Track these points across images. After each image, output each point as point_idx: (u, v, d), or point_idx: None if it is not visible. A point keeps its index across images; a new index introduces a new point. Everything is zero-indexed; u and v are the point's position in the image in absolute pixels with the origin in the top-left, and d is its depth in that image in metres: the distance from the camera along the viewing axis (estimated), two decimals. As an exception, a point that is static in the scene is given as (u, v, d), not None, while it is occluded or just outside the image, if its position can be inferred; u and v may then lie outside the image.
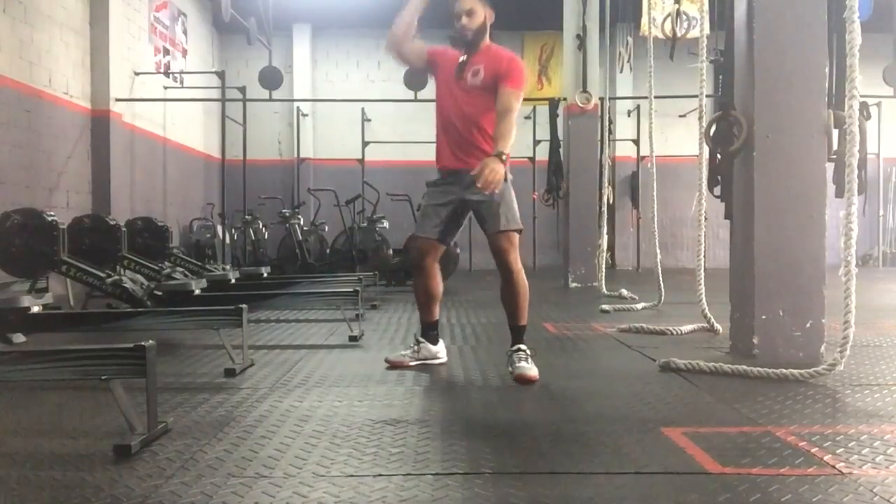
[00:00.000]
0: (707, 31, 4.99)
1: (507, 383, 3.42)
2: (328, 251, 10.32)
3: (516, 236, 3.61)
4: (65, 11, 8.23)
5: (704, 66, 4.81)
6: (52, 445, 2.46)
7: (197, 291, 5.20)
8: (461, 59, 3.64)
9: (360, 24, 13.57)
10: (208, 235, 10.94)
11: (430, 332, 3.87)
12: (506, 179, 3.52)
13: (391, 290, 8.79)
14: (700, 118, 4.79)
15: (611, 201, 9.06)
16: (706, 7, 5.07)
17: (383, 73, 14.01)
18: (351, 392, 3.21)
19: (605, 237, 8.53)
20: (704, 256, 5.10)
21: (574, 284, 9.04)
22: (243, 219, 10.61)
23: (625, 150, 13.38)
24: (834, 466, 2.18)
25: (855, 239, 3.25)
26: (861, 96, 3.33)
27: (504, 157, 3.34)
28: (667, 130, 12.76)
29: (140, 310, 4.93)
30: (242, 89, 10.58)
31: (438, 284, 3.84)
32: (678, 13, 8.12)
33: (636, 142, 12.85)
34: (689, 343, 4.54)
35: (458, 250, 8.84)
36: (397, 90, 11.99)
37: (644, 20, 9.84)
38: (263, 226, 11.21)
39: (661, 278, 6.39)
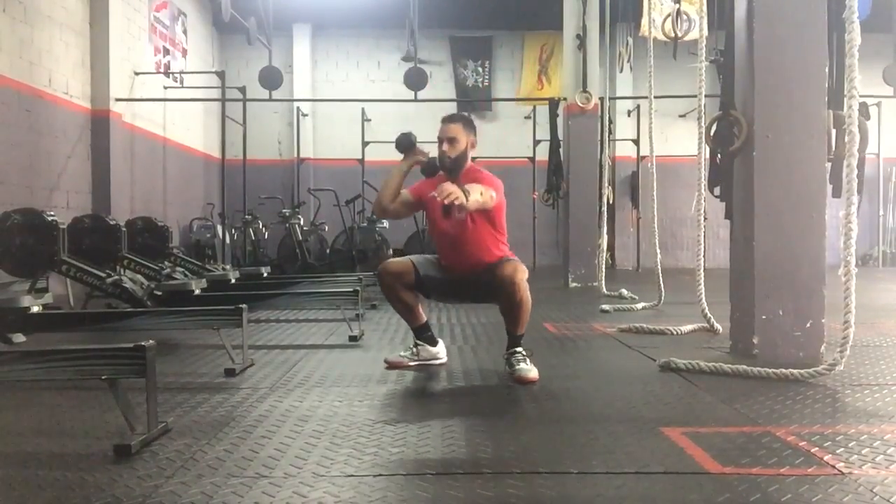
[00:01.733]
0: (705, 31, 4.99)
1: (506, 383, 3.42)
2: (328, 251, 10.32)
3: (521, 264, 3.58)
4: (65, 11, 8.23)
5: (704, 66, 4.80)
6: (52, 445, 2.46)
7: (197, 291, 5.20)
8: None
9: (360, 24, 13.58)
10: (208, 235, 10.94)
11: (423, 334, 3.86)
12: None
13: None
14: (700, 118, 4.78)
15: (611, 201, 9.06)
16: (705, 8, 5.06)
17: (383, 73, 14.03)
18: (351, 392, 3.21)
19: (605, 237, 8.53)
20: (704, 256, 5.10)
21: (574, 284, 9.04)
22: (243, 219, 10.60)
23: (625, 150, 13.38)
24: (834, 466, 2.18)
25: (855, 239, 3.25)
26: (861, 96, 3.32)
27: (467, 194, 3.27)
28: (667, 130, 12.78)
29: (140, 310, 4.93)
30: (242, 89, 10.58)
31: (411, 296, 3.81)
32: (678, 13, 8.13)
33: (636, 142, 12.85)
34: (689, 343, 4.54)
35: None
36: (397, 90, 12.01)
37: (644, 21, 9.85)
38: (263, 226, 11.21)
39: (661, 278, 6.39)
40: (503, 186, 3.70)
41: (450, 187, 3.19)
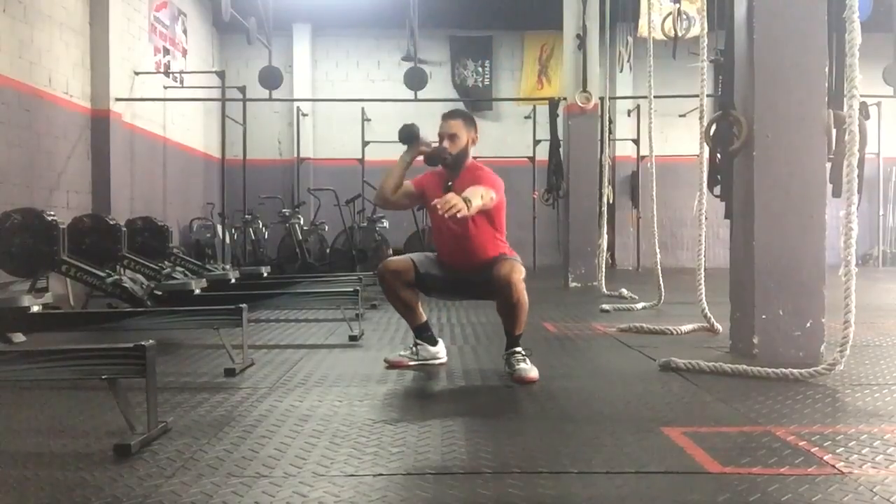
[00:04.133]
0: (705, 30, 4.99)
1: (506, 383, 3.42)
2: (328, 251, 10.32)
3: (518, 264, 3.58)
4: (65, 11, 8.23)
5: (704, 65, 4.80)
6: (52, 445, 2.46)
7: (197, 291, 5.20)
8: (448, 184, 3.69)
9: (360, 24, 13.58)
10: (208, 235, 10.94)
11: (423, 333, 3.86)
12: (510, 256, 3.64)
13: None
14: (700, 118, 4.78)
15: (611, 201, 9.05)
16: (704, 7, 5.06)
17: (383, 72, 14.02)
18: (351, 392, 3.21)
19: (605, 237, 8.53)
20: (704, 256, 5.10)
21: (574, 284, 9.04)
22: (243, 219, 10.60)
23: (625, 149, 13.38)
24: (834, 466, 2.18)
25: (855, 239, 3.25)
26: (861, 96, 3.32)
27: (469, 203, 3.25)
28: (667, 130, 12.77)
29: (140, 310, 4.93)
30: (242, 89, 10.57)
31: (411, 295, 3.81)
32: (678, 13, 8.13)
33: (636, 142, 12.85)
34: (689, 343, 4.54)
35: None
36: (397, 90, 12.01)
37: (643, 22, 9.86)
38: (263, 226, 11.20)
39: (661, 278, 6.39)
40: (503, 184, 3.70)
41: (452, 199, 3.18)
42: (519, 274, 3.50)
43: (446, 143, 3.70)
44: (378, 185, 3.92)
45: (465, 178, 3.66)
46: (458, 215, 3.20)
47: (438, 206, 3.18)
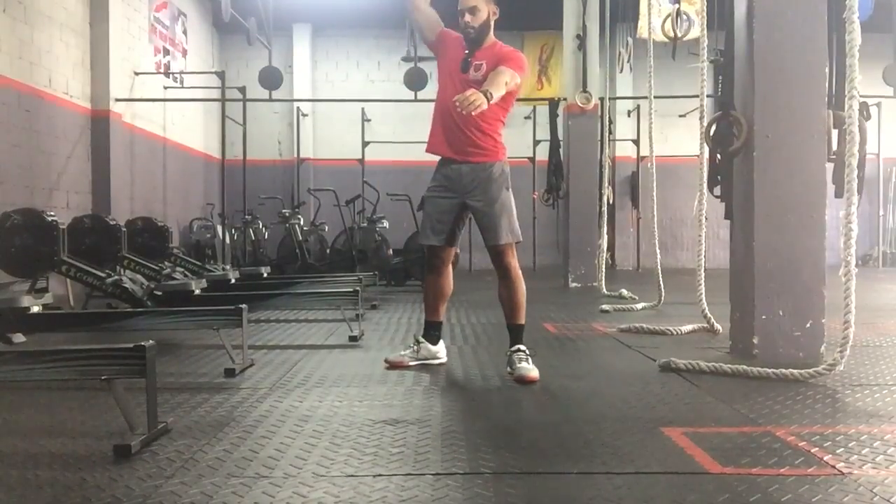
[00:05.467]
0: (704, 31, 4.99)
1: (507, 383, 3.42)
2: (328, 251, 10.31)
3: (512, 246, 3.67)
4: (65, 11, 8.22)
5: (704, 66, 4.80)
6: (52, 445, 2.46)
7: (197, 291, 5.19)
8: (465, 52, 3.66)
9: (360, 24, 13.57)
10: (208, 235, 10.94)
11: (432, 332, 3.87)
12: (507, 188, 3.65)
13: (391, 290, 8.79)
14: (700, 118, 4.78)
15: (611, 201, 9.06)
16: (702, 7, 5.06)
17: (383, 73, 14.02)
18: (351, 392, 3.21)
19: (605, 237, 8.53)
20: (704, 256, 5.10)
21: (574, 284, 9.04)
22: (243, 219, 10.60)
23: (625, 150, 13.38)
24: (834, 466, 2.18)
25: (855, 239, 3.25)
26: (861, 96, 3.32)
27: (490, 97, 3.27)
28: (667, 130, 12.76)
29: (140, 310, 4.93)
30: (242, 89, 10.57)
31: (450, 285, 3.88)
32: (678, 13, 8.13)
33: (636, 142, 12.85)
34: (689, 343, 4.54)
35: (458, 250, 8.84)
36: (397, 90, 12.00)
37: (642, 23, 9.85)
38: (263, 226, 11.20)
39: (661, 278, 6.39)
40: (525, 62, 3.66)
41: (471, 96, 3.16)
42: (513, 258, 3.64)
43: (468, 18, 3.62)
44: None
45: (485, 53, 3.62)
46: (475, 112, 3.20)
47: (458, 104, 3.18)
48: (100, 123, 8.79)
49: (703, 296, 5.03)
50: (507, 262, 3.65)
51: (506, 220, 3.62)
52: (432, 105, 3.86)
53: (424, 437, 2.51)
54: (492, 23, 3.69)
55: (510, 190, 3.68)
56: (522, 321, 3.67)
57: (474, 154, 3.64)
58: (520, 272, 3.67)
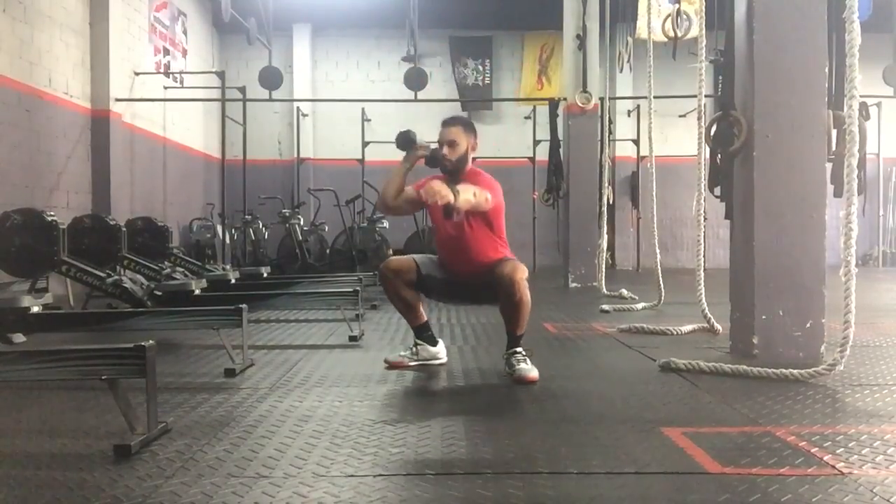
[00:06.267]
0: (703, 30, 4.99)
1: (506, 383, 3.42)
2: (328, 251, 10.31)
3: (520, 264, 3.59)
4: (65, 11, 8.23)
5: (704, 66, 4.81)
6: (52, 445, 2.46)
7: (197, 291, 5.19)
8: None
9: (360, 24, 13.58)
10: (208, 235, 10.94)
11: (423, 333, 3.86)
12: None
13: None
14: (700, 118, 4.79)
15: (611, 201, 9.05)
16: (701, 7, 5.06)
17: (383, 73, 14.02)
18: (351, 392, 3.21)
19: (605, 237, 8.53)
20: (704, 256, 5.10)
21: (574, 284, 9.04)
22: (243, 219, 10.60)
23: (625, 150, 13.38)
24: (834, 466, 2.18)
25: (855, 239, 3.25)
26: (861, 96, 3.32)
27: (457, 193, 3.26)
28: (667, 130, 12.77)
29: (140, 310, 4.93)
30: (242, 89, 10.57)
31: (412, 294, 3.81)
32: (678, 13, 8.12)
33: (636, 142, 12.85)
34: (689, 343, 4.54)
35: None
36: (397, 90, 12.01)
37: (642, 23, 9.85)
38: (263, 226, 11.20)
39: (661, 278, 6.39)
40: (502, 189, 3.71)
41: (437, 186, 3.19)
42: (522, 273, 3.51)
43: (446, 150, 3.71)
44: (379, 192, 3.95)
45: (465, 184, 3.65)
46: (441, 202, 3.19)
47: (423, 194, 3.21)
48: (100, 123, 8.79)
49: (703, 296, 5.03)
50: (516, 276, 3.47)
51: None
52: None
53: (424, 437, 2.51)
54: (470, 156, 3.76)
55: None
56: (523, 331, 3.63)
57: (480, 267, 3.65)
58: (527, 287, 3.51)
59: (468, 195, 3.36)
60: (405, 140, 3.78)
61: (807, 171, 3.85)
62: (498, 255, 3.68)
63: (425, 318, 3.89)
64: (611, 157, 10.23)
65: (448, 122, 3.80)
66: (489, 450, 2.35)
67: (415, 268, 3.76)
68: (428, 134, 3.88)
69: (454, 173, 3.71)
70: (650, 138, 6.40)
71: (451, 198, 3.20)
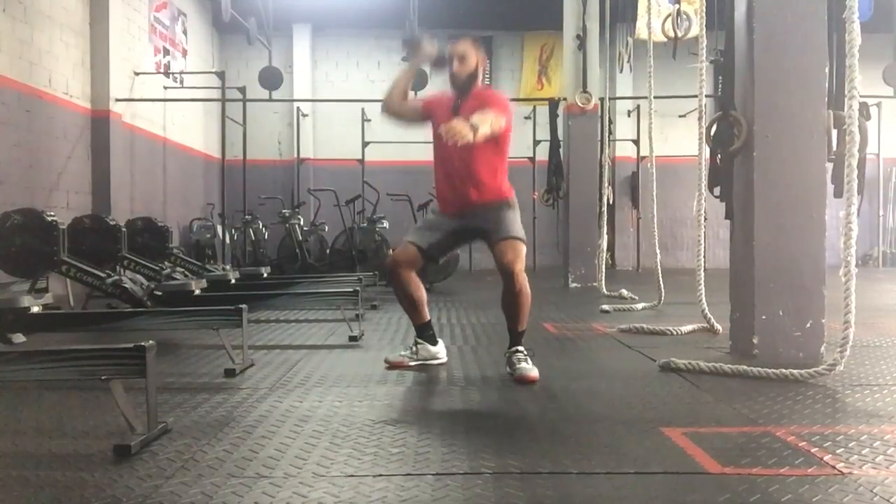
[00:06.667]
0: (703, 30, 4.99)
1: (507, 383, 3.42)
2: (328, 251, 10.31)
3: (522, 247, 3.60)
4: (65, 11, 8.23)
5: (704, 66, 4.80)
6: (52, 445, 2.46)
7: (197, 291, 5.19)
8: (454, 103, 3.69)
9: (360, 24, 13.57)
10: (208, 235, 10.94)
11: (425, 332, 3.86)
12: (511, 207, 3.65)
13: (391, 290, 8.77)
14: (700, 118, 4.79)
15: (611, 201, 9.05)
16: (701, 7, 5.06)
17: (383, 73, 14.01)
18: (351, 392, 3.21)
19: (605, 237, 8.53)
20: (704, 256, 5.10)
21: (574, 284, 9.04)
22: (243, 219, 10.60)
23: (625, 150, 13.38)
24: (834, 466, 2.18)
25: (855, 239, 3.25)
26: (861, 96, 3.32)
27: (476, 129, 3.25)
28: (667, 130, 12.77)
29: (140, 310, 4.93)
30: (242, 89, 10.57)
31: (420, 288, 3.83)
32: (678, 13, 8.12)
33: (636, 142, 12.84)
34: (689, 343, 4.54)
35: (459, 251, 8.84)
36: (397, 90, 11.99)
37: (642, 23, 9.85)
38: (263, 226, 11.20)
39: (661, 278, 6.39)
40: (512, 108, 3.68)
41: (457, 126, 3.18)
42: (521, 263, 3.54)
43: (456, 66, 3.67)
44: (385, 95, 3.90)
45: (473, 102, 3.63)
46: (460, 143, 3.20)
47: (443, 133, 3.19)
48: (100, 123, 8.78)
49: (703, 296, 5.03)
50: (514, 268, 3.52)
51: (508, 222, 3.61)
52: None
53: (424, 437, 2.51)
54: (480, 72, 3.75)
55: (516, 208, 3.69)
56: (524, 327, 3.65)
57: (482, 201, 3.64)
58: (526, 280, 3.57)
59: (485, 129, 3.33)
60: (411, 43, 3.75)
61: (807, 171, 3.85)
62: (498, 187, 3.64)
63: (428, 318, 3.89)
64: (611, 157, 10.24)
65: (457, 39, 3.76)
66: (489, 450, 2.35)
67: (418, 254, 3.75)
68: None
69: (464, 89, 3.69)
70: (650, 138, 6.40)
71: (470, 137, 3.20)
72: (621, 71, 12.55)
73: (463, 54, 3.67)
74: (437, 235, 3.77)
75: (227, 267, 8.47)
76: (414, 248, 3.76)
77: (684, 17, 8.26)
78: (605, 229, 8.48)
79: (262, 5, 11.47)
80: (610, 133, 10.01)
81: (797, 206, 3.84)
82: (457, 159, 3.61)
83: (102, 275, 5.70)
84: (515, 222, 3.64)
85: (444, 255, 3.91)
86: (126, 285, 5.49)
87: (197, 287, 5.26)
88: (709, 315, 4.96)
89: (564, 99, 9.48)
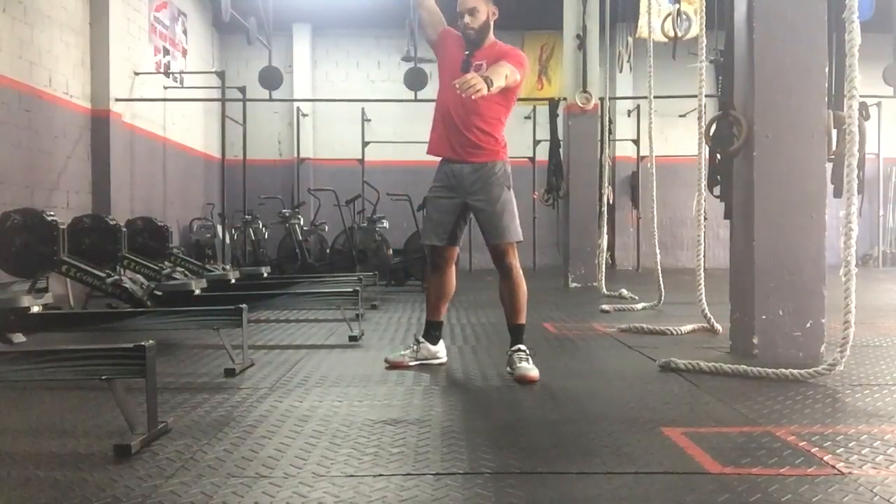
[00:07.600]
0: (703, 30, 4.99)
1: (507, 383, 3.42)
2: (328, 251, 10.31)
3: (515, 244, 3.71)
4: (65, 11, 8.22)
5: (704, 65, 4.81)
6: (52, 445, 2.46)
7: (197, 291, 5.20)
8: (466, 53, 3.68)
9: (360, 23, 13.57)
10: (208, 235, 10.93)
11: (432, 331, 3.87)
12: (509, 188, 3.67)
13: (391, 289, 8.79)
14: (700, 118, 4.79)
15: (611, 201, 9.06)
16: (701, 7, 5.06)
17: (383, 73, 14.02)
18: (351, 392, 3.21)
19: (605, 237, 8.53)
20: (704, 256, 5.10)
21: (574, 284, 9.04)
22: (243, 219, 10.60)
23: (625, 150, 13.37)
24: (834, 466, 2.18)
25: (855, 239, 3.25)
26: (861, 96, 3.32)
27: (490, 83, 3.26)
28: (667, 130, 12.76)
29: (140, 310, 4.93)
30: (242, 89, 10.57)
31: (453, 284, 3.90)
32: (678, 13, 8.13)
33: (636, 142, 12.84)
34: (689, 343, 4.54)
35: (459, 251, 8.83)
36: (397, 90, 12.00)
37: (642, 23, 9.84)
38: (263, 226, 11.20)
39: (661, 278, 6.39)
40: (527, 61, 3.68)
41: (472, 80, 3.18)
42: (517, 258, 3.67)
43: (467, 19, 3.65)
44: None
45: (485, 53, 3.64)
46: (475, 97, 3.21)
47: (458, 86, 3.18)
48: (100, 123, 8.78)
49: (703, 296, 5.03)
50: (509, 263, 3.67)
51: (507, 220, 3.65)
52: (432, 105, 3.87)
53: (424, 437, 2.51)
54: (491, 23, 3.71)
55: (511, 190, 3.70)
56: (523, 321, 3.68)
57: (475, 154, 3.65)
58: (521, 272, 3.70)
59: (501, 81, 3.35)
60: None
61: (807, 171, 3.85)
62: (494, 136, 3.65)
63: (442, 318, 3.93)
64: (611, 157, 10.24)
65: None
66: (489, 450, 2.35)
67: (451, 249, 3.80)
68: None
69: (476, 42, 3.68)
70: (650, 138, 6.40)
71: (485, 91, 3.21)
72: (621, 71, 12.54)
73: (473, 7, 3.65)
74: (446, 227, 3.77)
75: (227, 267, 8.46)
76: (448, 247, 3.80)
77: (684, 16, 8.27)
78: (605, 229, 8.48)
79: (262, 5, 11.46)
80: (610, 133, 10.00)
81: (797, 206, 3.84)
82: (461, 102, 3.57)
83: (102, 275, 5.70)
84: (512, 216, 3.66)
85: (461, 236, 3.92)
86: (126, 285, 5.49)
87: (197, 287, 5.26)
88: (709, 315, 4.96)
89: (564, 99, 9.48)
